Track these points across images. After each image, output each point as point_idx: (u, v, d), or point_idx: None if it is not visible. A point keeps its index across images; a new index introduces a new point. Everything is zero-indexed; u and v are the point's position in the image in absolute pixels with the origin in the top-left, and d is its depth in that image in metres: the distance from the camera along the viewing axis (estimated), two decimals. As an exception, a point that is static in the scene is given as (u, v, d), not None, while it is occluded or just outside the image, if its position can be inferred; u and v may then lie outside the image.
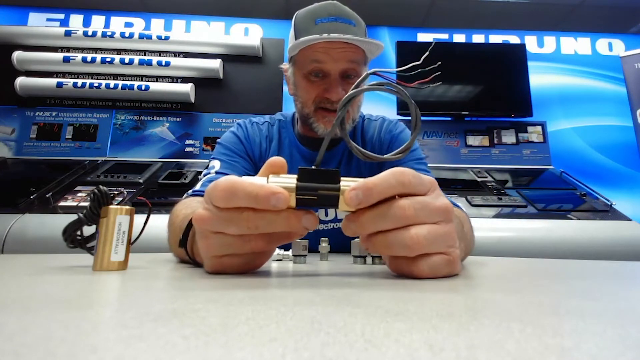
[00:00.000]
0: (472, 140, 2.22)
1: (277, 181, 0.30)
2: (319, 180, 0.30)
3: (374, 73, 0.33)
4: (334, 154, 0.85)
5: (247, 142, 0.84)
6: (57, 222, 1.22)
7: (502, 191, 1.70)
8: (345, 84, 0.76)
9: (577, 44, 2.54)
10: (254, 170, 0.82)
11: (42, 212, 1.36)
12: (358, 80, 0.32)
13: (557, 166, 2.12)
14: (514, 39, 2.54)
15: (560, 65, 2.50)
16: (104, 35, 2.12)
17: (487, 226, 1.39)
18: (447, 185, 1.76)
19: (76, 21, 2.34)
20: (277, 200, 0.28)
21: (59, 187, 1.57)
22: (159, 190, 1.60)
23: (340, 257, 0.60)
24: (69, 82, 2.03)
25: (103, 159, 1.98)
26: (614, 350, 0.13)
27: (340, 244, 0.67)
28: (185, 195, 0.72)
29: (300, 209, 0.30)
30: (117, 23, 2.36)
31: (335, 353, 0.12)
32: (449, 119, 2.27)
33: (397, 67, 2.21)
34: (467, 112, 2.25)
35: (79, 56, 2.07)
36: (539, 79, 2.43)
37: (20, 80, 2.02)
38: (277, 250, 0.50)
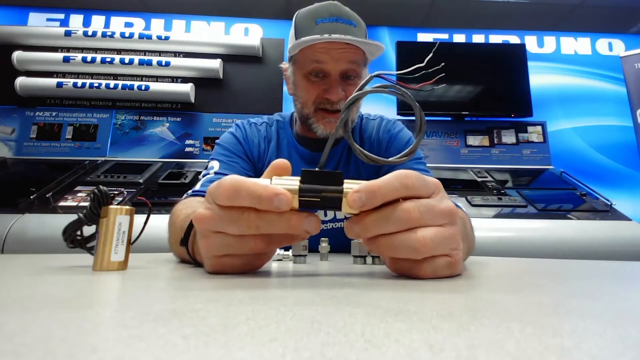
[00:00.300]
0: (472, 140, 2.22)
1: (280, 183, 0.30)
2: (322, 182, 0.30)
3: (378, 75, 0.32)
4: (332, 154, 0.85)
5: (246, 142, 0.84)
6: (57, 222, 1.22)
7: (502, 191, 1.70)
8: (345, 85, 0.76)
9: (577, 44, 2.54)
10: (252, 171, 0.82)
11: (42, 212, 1.36)
12: (362, 83, 0.32)
13: (557, 166, 2.12)
14: (514, 39, 2.54)
15: (560, 65, 2.50)
16: (104, 35, 2.12)
17: (487, 226, 1.39)
18: (447, 185, 1.75)
19: (76, 21, 2.34)
20: (280, 201, 0.28)
21: (59, 187, 1.57)
22: (159, 190, 1.60)
23: (340, 257, 0.60)
24: (69, 82, 2.03)
25: (103, 159, 1.98)
26: (614, 350, 0.13)
27: (340, 244, 0.67)
28: (185, 195, 0.72)
29: (302, 210, 0.30)
30: (117, 23, 2.36)
31: (335, 353, 0.12)
32: (449, 119, 2.27)
33: (398, 67, 2.22)
34: (467, 112, 2.25)
35: (79, 56, 2.07)
36: (539, 79, 2.43)
37: (20, 80, 2.02)
38: (277, 250, 0.50)
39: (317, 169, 0.31)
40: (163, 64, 2.10)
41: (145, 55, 2.15)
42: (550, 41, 2.54)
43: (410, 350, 0.12)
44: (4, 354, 0.11)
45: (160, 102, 2.14)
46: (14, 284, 0.27)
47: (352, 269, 0.41)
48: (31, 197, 1.47)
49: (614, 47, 2.55)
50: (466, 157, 2.18)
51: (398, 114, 2.16)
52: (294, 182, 0.30)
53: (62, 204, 1.43)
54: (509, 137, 2.23)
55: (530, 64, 2.31)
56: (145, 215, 0.42)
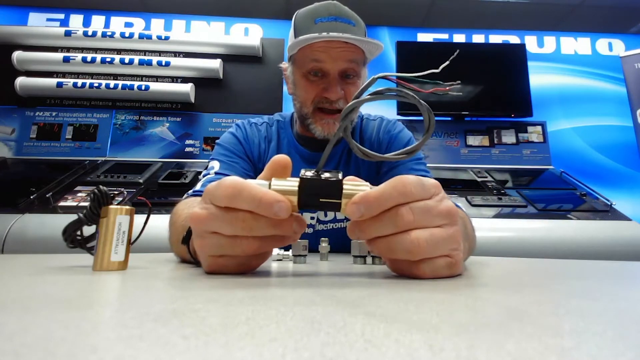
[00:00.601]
0: (472, 140, 2.22)
1: (279, 185, 0.30)
2: (321, 191, 0.30)
3: (384, 77, 0.32)
4: (332, 154, 0.85)
5: (246, 142, 0.84)
6: (57, 222, 1.22)
7: (502, 191, 1.70)
8: (344, 84, 0.76)
9: (577, 44, 2.54)
10: (253, 171, 0.82)
11: (42, 212, 1.36)
12: (363, 86, 0.31)
13: (557, 166, 2.12)
14: (514, 39, 2.54)
15: (560, 65, 2.50)
16: (104, 35, 2.12)
17: (487, 226, 1.39)
18: (447, 185, 1.75)
19: (76, 21, 2.34)
20: (280, 208, 0.29)
21: (59, 187, 1.57)
22: (159, 190, 1.60)
23: (340, 257, 0.60)
24: (69, 82, 2.03)
25: (103, 159, 1.98)
26: (614, 350, 0.13)
27: (340, 244, 0.67)
28: (185, 195, 0.72)
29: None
30: (117, 23, 2.36)
31: (335, 353, 0.12)
32: (449, 119, 2.27)
33: (398, 67, 2.21)
34: (467, 112, 2.25)
35: (79, 56, 2.07)
36: (539, 79, 2.43)
37: (20, 80, 2.02)
38: (277, 250, 0.50)
39: (315, 175, 0.31)
40: (163, 64, 2.10)
41: (145, 55, 2.15)
42: (550, 41, 2.54)
43: (410, 350, 0.12)
44: (4, 354, 0.11)
45: (160, 102, 2.14)
46: (14, 284, 0.27)
47: (352, 269, 0.41)
48: (31, 197, 1.47)
49: (614, 47, 2.55)
50: (466, 157, 2.18)
51: (398, 114, 2.16)
52: (293, 183, 0.30)
53: (62, 204, 1.43)
54: (509, 137, 2.23)
55: (530, 64, 2.31)
56: (145, 215, 0.42)
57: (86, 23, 2.34)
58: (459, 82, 0.31)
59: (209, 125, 2.12)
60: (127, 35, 2.13)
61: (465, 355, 0.12)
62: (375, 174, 0.83)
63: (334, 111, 0.76)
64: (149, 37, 2.14)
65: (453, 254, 0.31)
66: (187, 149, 2.07)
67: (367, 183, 0.33)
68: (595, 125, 2.41)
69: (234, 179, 0.30)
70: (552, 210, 1.56)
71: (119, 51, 2.15)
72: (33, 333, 0.14)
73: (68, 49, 2.11)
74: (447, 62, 0.30)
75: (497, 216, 1.48)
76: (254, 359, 0.11)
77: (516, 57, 2.30)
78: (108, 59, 2.08)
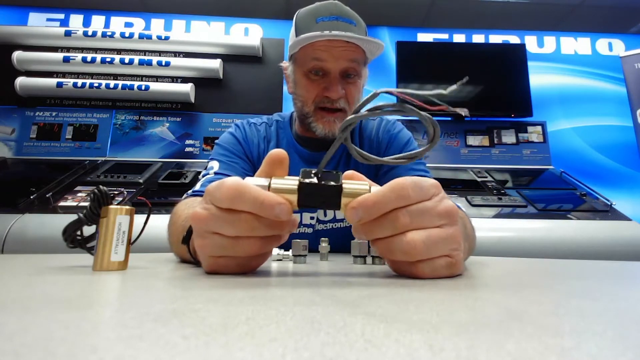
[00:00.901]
0: (472, 140, 2.22)
1: (279, 184, 0.30)
2: (320, 196, 0.31)
3: (386, 92, 0.31)
4: (332, 156, 0.85)
5: (246, 143, 0.84)
6: (57, 222, 1.22)
7: (502, 191, 1.70)
8: (345, 83, 0.76)
9: (577, 44, 2.54)
10: (252, 171, 0.82)
11: (42, 212, 1.36)
12: (363, 100, 0.31)
13: (557, 166, 2.12)
14: (514, 39, 2.54)
15: (560, 65, 2.50)
16: (104, 35, 2.12)
17: (487, 226, 1.39)
18: (447, 185, 1.75)
19: (76, 21, 2.34)
20: (281, 210, 0.29)
21: (59, 187, 1.57)
22: (159, 190, 1.60)
23: (340, 257, 0.60)
24: (69, 82, 2.03)
25: (103, 159, 1.98)
26: (614, 350, 0.13)
27: (340, 244, 0.67)
28: (185, 195, 0.72)
29: None
30: (117, 23, 2.36)
31: (335, 353, 0.12)
32: (449, 119, 2.27)
33: (398, 67, 2.21)
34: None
35: (79, 56, 2.07)
36: (539, 79, 2.43)
37: (20, 80, 2.02)
38: (277, 250, 0.50)
39: (315, 179, 0.31)
40: (163, 64, 2.10)
41: (145, 55, 2.15)
42: (550, 41, 2.54)
43: (410, 350, 0.12)
44: (4, 354, 0.11)
45: (160, 102, 2.14)
46: (14, 284, 0.27)
47: (352, 269, 0.41)
48: (31, 197, 1.47)
49: (614, 47, 2.55)
50: (466, 157, 2.18)
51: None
52: (293, 182, 0.30)
53: (62, 204, 1.43)
54: (509, 137, 2.23)
55: (530, 64, 2.31)
56: (145, 215, 0.42)
57: (86, 23, 2.34)
58: (467, 76, 0.31)
59: (209, 125, 2.12)
60: (127, 35, 2.13)
61: (465, 355, 0.12)
62: (374, 174, 0.83)
63: (335, 110, 0.76)
64: (149, 37, 2.14)
65: (453, 254, 0.31)
66: (187, 149, 2.07)
67: (367, 180, 0.33)
68: (595, 125, 2.41)
69: (235, 180, 0.30)
70: (552, 210, 1.56)
71: (119, 51, 2.15)
72: (33, 333, 0.14)
73: (68, 49, 2.11)
74: (455, 86, 0.29)
75: (497, 216, 1.48)
76: (254, 359, 0.11)
77: (516, 57, 2.30)
78: (108, 59, 2.08)
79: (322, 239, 0.55)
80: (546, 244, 1.33)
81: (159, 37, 2.15)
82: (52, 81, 2.03)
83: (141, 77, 2.13)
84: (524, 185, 1.91)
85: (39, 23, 2.30)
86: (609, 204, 1.58)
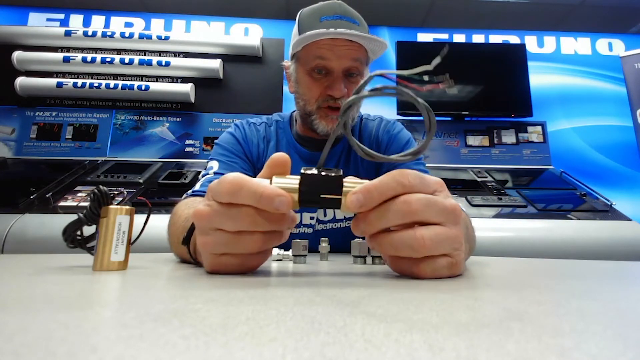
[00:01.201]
0: (472, 140, 2.22)
1: (280, 182, 0.30)
2: (321, 186, 0.30)
3: (380, 75, 0.32)
4: (332, 154, 0.85)
5: (245, 142, 0.84)
6: (57, 222, 1.22)
7: (502, 191, 1.70)
8: (347, 82, 0.76)
9: (577, 44, 2.54)
10: (252, 171, 0.82)
11: (42, 212, 1.36)
12: (361, 83, 0.31)
13: (557, 166, 2.12)
14: (514, 39, 2.54)
15: (560, 65, 2.50)
16: (104, 35, 2.12)
17: (487, 226, 1.39)
18: (447, 185, 1.73)
19: (76, 21, 2.34)
20: (281, 202, 0.29)
21: (59, 187, 1.57)
22: (159, 190, 1.60)
23: (340, 257, 0.60)
24: (69, 82, 2.03)
25: (103, 159, 1.98)
26: (614, 350, 0.13)
27: (340, 244, 0.67)
28: (184, 195, 0.72)
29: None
30: (117, 23, 2.36)
31: (335, 353, 0.12)
32: (449, 119, 2.27)
33: (398, 67, 2.21)
34: (467, 112, 2.25)
35: (79, 56, 2.07)
36: (539, 79, 2.43)
37: (20, 80, 2.02)
38: (277, 250, 0.50)
39: (315, 172, 0.31)
40: (163, 64, 2.10)
41: (145, 55, 2.15)
42: (550, 41, 2.54)
43: (410, 350, 0.12)
44: (4, 354, 0.11)
45: (160, 102, 2.14)
46: (14, 284, 0.27)
47: (352, 269, 0.41)
48: (31, 197, 1.47)
49: (614, 47, 2.55)
50: (466, 157, 2.18)
51: (398, 114, 2.16)
52: (294, 181, 0.30)
53: (62, 204, 1.43)
54: (509, 137, 2.23)
55: (530, 64, 2.30)
56: (145, 215, 0.42)
57: (86, 23, 2.34)
58: (447, 74, 0.31)
59: (209, 125, 2.12)
60: (127, 35, 2.13)
61: (465, 355, 0.12)
62: (375, 174, 0.83)
63: (338, 108, 0.76)
64: (149, 37, 2.14)
65: (454, 254, 0.31)
66: (187, 149, 2.07)
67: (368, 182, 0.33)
68: (595, 125, 2.41)
69: (235, 175, 0.30)
70: (552, 210, 1.56)
71: (119, 51, 2.15)
72: (33, 333, 0.14)
73: (68, 49, 2.11)
74: (438, 58, 0.30)
75: (497, 216, 1.48)
76: (254, 359, 0.11)
77: (516, 57, 2.30)
78: (108, 59, 2.08)
79: (322, 239, 0.55)
80: (546, 244, 1.33)
81: (159, 37, 2.15)
82: (52, 81, 2.03)
83: (141, 77, 2.13)
84: (524, 185, 1.91)
85: (39, 23, 2.30)
86: (609, 204, 1.58)
